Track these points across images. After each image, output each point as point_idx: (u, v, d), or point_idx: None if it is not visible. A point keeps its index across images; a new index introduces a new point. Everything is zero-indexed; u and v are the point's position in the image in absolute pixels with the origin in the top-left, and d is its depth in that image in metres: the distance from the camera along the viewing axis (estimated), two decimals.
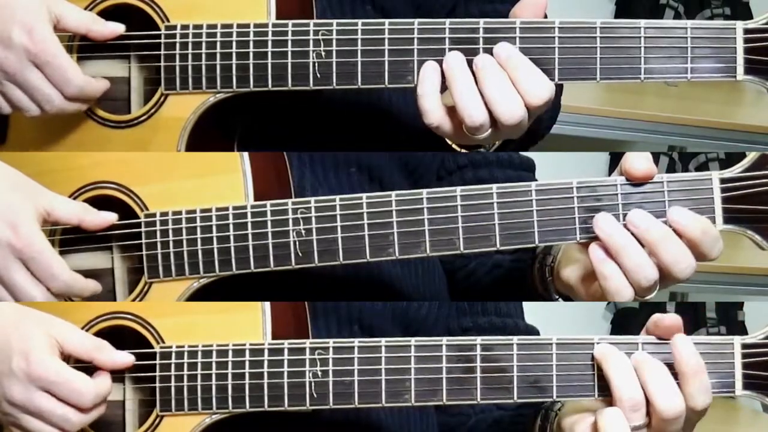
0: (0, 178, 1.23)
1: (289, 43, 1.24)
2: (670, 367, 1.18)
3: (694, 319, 3.46)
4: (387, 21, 1.23)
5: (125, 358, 1.24)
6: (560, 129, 2.83)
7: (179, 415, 1.25)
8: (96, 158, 1.29)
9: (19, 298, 1.22)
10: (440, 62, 1.22)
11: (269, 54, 1.25)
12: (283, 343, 1.23)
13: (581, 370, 1.20)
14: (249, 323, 1.24)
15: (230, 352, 1.24)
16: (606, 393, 1.19)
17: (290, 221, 1.24)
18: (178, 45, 1.27)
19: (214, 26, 1.26)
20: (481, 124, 1.21)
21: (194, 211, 1.26)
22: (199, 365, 1.24)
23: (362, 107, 1.35)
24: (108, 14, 1.28)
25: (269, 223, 1.24)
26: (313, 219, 1.23)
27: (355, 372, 1.22)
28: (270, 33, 1.25)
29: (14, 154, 1.28)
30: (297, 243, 1.24)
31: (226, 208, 1.25)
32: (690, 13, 3.58)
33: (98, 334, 1.26)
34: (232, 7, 1.26)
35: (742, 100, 3.53)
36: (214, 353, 1.24)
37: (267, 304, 1.25)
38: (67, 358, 1.22)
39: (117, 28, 1.27)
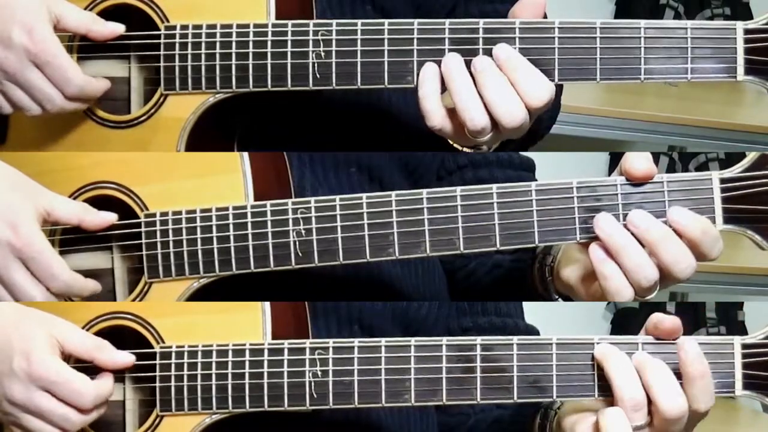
0: (0, 177, 1.23)
1: (289, 43, 1.24)
2: (671, 367, 1.18)
3: (694, 319, 3.46)
4: (386, 21, 1.23)
5: (126, 357, 1.24)
6: (560, 129, 2.84)
7: (179, 415, 1.25)
8: (96, 158, 1.29)
9: (19, 297, 1.22)
10: (440, 63, 1.22)
11: (269, 54, 1.25)
12: (283, 343, 1.23)
13: (581, 370, 1.20)
14: (249, 323, 1.24)
15: (230, 352, 1.24)
16: (606, 393, 1.19)
17: (290, 221, 1.24)
18: (177, 45, 1.27)
19: (214, 26, 1.26)
20: (483, 127, 1.21)
21: (194, 211, 1.26)
22: (199, 365, 1.24)
23: (362, 107, 1.35)
24: (108, 14, 1.28)
25: (269, 223, 1.24)
26: (313, 219, 1.23)
27: (355, 372, 1.22)
28: (270, 33, 1.25)
29: (14, 154, 1.28)
30: (297, 243, 1.24)
31: (226, 208, 1.25)
32: (690, 13, 3.58)
33: (98, 334, 1.26)
34: (232, 7, 1.26)
35: (742, 101, 3.53)
36: (214, 353, 1.24)
37: (267, 304, 1.25)
38: (67, 357, 1.23)
39: (117, 29, 1.27)
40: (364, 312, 1.34)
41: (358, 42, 1.23)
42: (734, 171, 1.20)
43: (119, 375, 1.25)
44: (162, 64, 1.27)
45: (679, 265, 1.18)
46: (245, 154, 1.26)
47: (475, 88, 1.21)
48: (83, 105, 1.27)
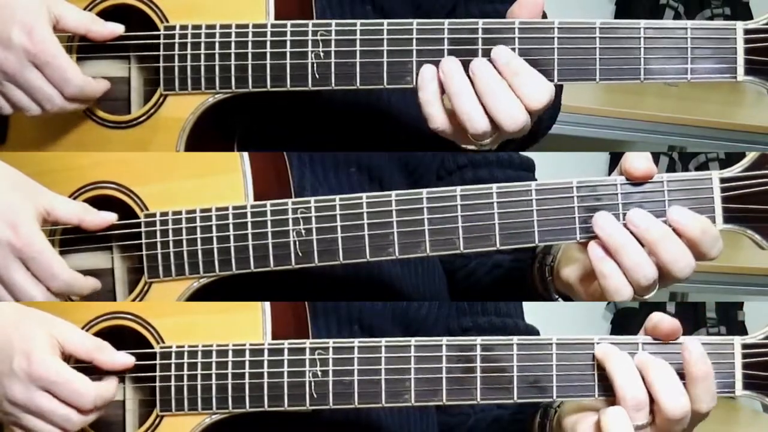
0: (0, 177, 1.23)
1: (288, 43, 1.24)
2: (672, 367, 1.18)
3: (694, 319, 3.46)
4: (386, 21, 1.23)
5: (125, 359, 1.24)
6: (560, 129, 2.83)
7: (179, 415, 1.25)
8: (96, 158, 1.29)
9: (19, 297, 1.22)
10: (438, 64, 1.22)
11: (268, 54, 1.25)
12: (283, 343, 1.23)
13: (581, 370, 1.20)
14: (249, 323, 1.24)
15: (230, 352, 1.24)
16: (606, 393, 1.20)
17: (290, 221, 1.24)
18: (176, 45, 1.27)
19: (213, 27, 1.26)
20: (484, 131, 1.21)
21: (194, 211, 1.26)
22: (199, 365, 1.24)
23: (361, 107, 1.35)
24: (107, 14, 1.28)
25: (269, 223, 1.24)
26: (313, 219, 1.23)
27: (355, 372, 1.22)
28: (269, 33, 1.25)
29: (14, 154, 1.28)
30: (297, 243, 1.24)
31: (226, 208, 1.25)
32: (690, 14, 3.58)
33: (98, 334, 1.26)
34: (231, 7, 1.26)
35: (742, 101, 3.53)
36: (214, 353, 1.24)
37: (267, 304, 1.25)
38: (67, 358, 1.23)
39: (116, 29, 1.27)
40: (364, 312, 1.34)
41: (357, 42, 1.23)
42: (734, 170, 1.20)
43: (119, 375, 1.25)
44: (161, 64, 1.27)
45: (678, 264, 1.18)
46: (245, 154, 1.26)
47: (475, 91, 1.21)
48: (83, 105, 1.27)
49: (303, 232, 1.23)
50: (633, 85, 1.22)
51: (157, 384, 1.25)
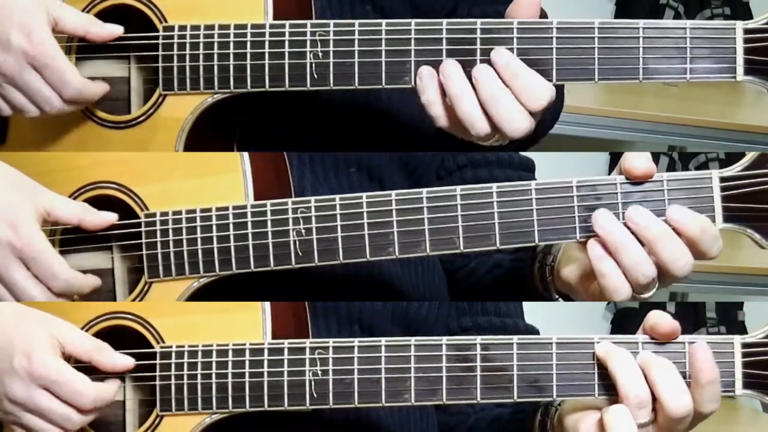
0: (0, 177, 1.24)
1: (287, 43, 1.24)
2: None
3: (694, 319, 3.46)
4: (384, 21, 1.23)
5: (125, 360, 1.24)
6: (560, 129, 2.83)
7: (179, 414, 1.25)
8: (96, 158, 1.29)
9: (20, 297, 1.22)
10: (437, 64, 1.22)
11: (266, 54, 1.25)
12: (283, 343, 1.23)
13: (581, 369, 1.20)
14: (249, 323, 1.25)
15: (230, 352, 1.24)
16: (606, 392, 1.20)
17: (290, 221, 1.24)
18: (175, 46, 1.27)
19: (212, 27, 1.26)
20: (486, 134, 1.22)
21: (194, 211, 1.26)
22: (199, 365, 1.24)
23: (360, 107, 1.35)
24: (107, 15, 1.28)
25: (269, 223, 1.24)
26: (313, 218, 1.23)
27: (355, 372, 1.22)
28: (267, 34, 1.25)
29: (14, 154, 1.28)
30: (297, 242, 1.24)
31: (226, 208, 1.25)
32: (690, 13, 3.58)
33: (98, 334, 1.26)
34: (230, 7, 1.26)
35: (742, 101, 3.53)
36: (214, 353, 1.24)
37: (267, 304, 1.25)
38: (67, 359, 1.23)
39: (115, 30, 1.27)
40: (364, 312, 1.34)
41: (356, 42, 1.23)
42: (734, 170, 1.20)
43: (120, 375, 1.25)
44: (160, 64, 1.27)
45: (677, 262, 1.18)
46: (245, 154, 1.26)
47: (477, 97, 1.21)
48: (81, 106, 1.27)
49: (303, 231, 1.24)
50: (633, 85, 1.22)
51: (157, 384, 1.25)
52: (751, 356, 1.19)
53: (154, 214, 1.27)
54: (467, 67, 1.22)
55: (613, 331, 3.50)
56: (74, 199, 1.28)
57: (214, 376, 1.24)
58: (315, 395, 1.22)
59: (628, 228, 1.19)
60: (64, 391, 1.20)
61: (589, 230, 1.20)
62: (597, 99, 3.21)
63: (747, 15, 3.51)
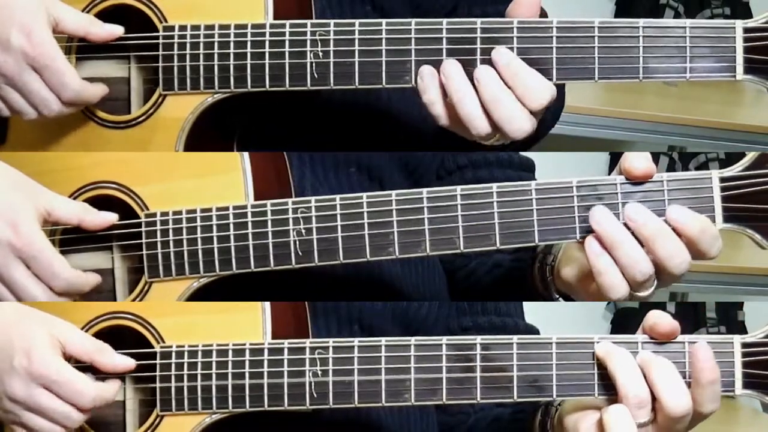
0: (0, 177, 1.24)
1: (287, 43, 1.24)
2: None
3: (694, 319, 3.46)
4: (384, 21, 1.23)
5: (126, 361, 1.24)
6: (560, 129, 2.83)
7: (179, 414, 1.25)
8: (96, 158, 1.29)
9: (21, 297, 1.22)
10: (438, 63, 1.22)
11: (267, 54, 1.25)
12: (283, 343, 1.23)
13: (581, 369, 1.20)
14: (249, 323, 1.25)
15: (230, 352, 1.24)
16: (606, 392, 1.20)
17: (290, 221, 1.24)
18: (176, 45, 1.27)
19: (212, 27, 1.26)
20: (486, 134, 1.22)
21: (194, 211, 1.26)
22: (199, 365, 1.24)
23: (360, 107, 1.35)
24: (107, 15, 1.28)
25: (269, 223, 1.24)
26: (314, 218, 1.23)
27: (355, 372, 1.22)
28: (267, 33, 1.25)
29: (14, 154, 1.28)
30: (297, 242, 1.24)
31: (227, 208, 1.25)
32: (690, 13, 3.58)
33: (98, 334, 1.26)
34: (230, 7, 1.26)
35: (742, 100, 3.53)
36: (214, 353, 1.24)
37: (267, 304, 1.25)
38: (68, 359, 1.23)
39: (115, 30, 1.27)
40: (364, 312, 1.34)
41: (356, 42, 1.23)
42: (734, 170, 1.20)
43: (120, 376, 1.25)
44: (160, 64, 1.27)
45: (675, 260, 1.18)
46: (245, 154, 1.26)
47: (479, 98, 1.21)
48: (80, 107, 1.27)
49: (303, 231, 1.24)
50: (633, 84, 1.23)
51: (158, 384, 1.25)
52: (751, 356, 1.19)
53: (154, 214, 1.27)
54: (468, 67, 1.22)
55: (613, 331, 3.50)
56: (74, 199, 1.28)
57: (214, 376, 1.24)
58: (315, 395, 1.22)
59: (627, 226, 1.19)
60: (65, 390, 1.20)
61: (589, 230, 1.20)
62: (597, 99, 3.21)
63: (747, 15, 3.50)
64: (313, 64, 1.24)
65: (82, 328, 1.26)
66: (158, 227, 1.26)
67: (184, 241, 1.26)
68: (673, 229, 1.19)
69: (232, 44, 1.25)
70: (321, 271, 1.26)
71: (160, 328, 1.26)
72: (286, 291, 1.29)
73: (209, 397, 1.24)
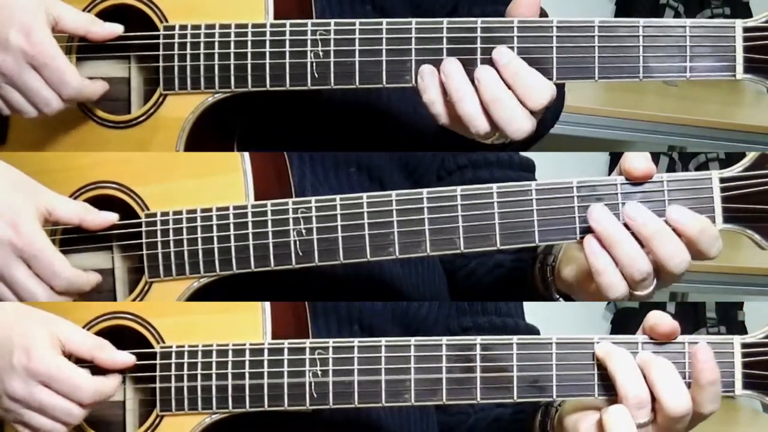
0: (1, 177, 1.24)
1: (287, 43, 1.24)
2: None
3: (694, 319, 3.46)
4: (385, 21, 1.23)
5: (126, 358, 1.24)
6: (560, 129, 2.83)
7: (179, 414, 1.25)
8: (96, 158, 1.29)
9: (22, 296, 1.22)
10: (438, 63, 1.22)
11: (267, 54, 1.25)
12: (283, 343, 1.23)
13: (581, 369, 1.20)
14: (249, 323, 1.25)
15: (230, 352, 1.24)
16: (606, 392, 1.20)
17: (291, 221, 1.24)
18: (176, 45, 1.27)
19: (212, 26, 1.26)
20: (485, 132, 1.22)
21: (195, 211, 1.26)
22: (199, 365, 1.24)
23: (361, 107, 1.35)
24: (107, 15, 1.28)
25: (270, 223, 1.24)
26: (314, 218, 1.23)
27: (355, 372, 1.22)
28: (268, 33, 1.25)
29: (14, 154, 1.28)
30: (297, 242, 1.24)
31: (227, 208, 1.25)
32: (690, 14, 3.58)
33: (98, 334, 1.26)
34: (230, 7, 1.26)
35: (742, 100, 3.53)
36: (214, 353, 1.24)
37: (267, 304, 1.25)
38: (68, 357, 1.23)
39: (115, 29, 1.27)
40: (364, 312, 1.34)
41: (356, 41, 1.23)
42: (734, 170, 1.20)
43: (120, 374, 1.25)
44: (161, 64, 1.27)
45: (674, 260, 1.18)
46: (246, 154, 1.26)
47: (479, 97, 1.21)
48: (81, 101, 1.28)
49: (303, 231, 1.24)
50: (633, 84, 1.23)
51: (158, 384, 1.25)
52: (751, 356, 1.19)
53: (154, 214, 1.27)
54: (468, 66, 1.22)
55: (613, 331, 3.50)
56: (75, 199, 1.28)
57: (214, 376, 1.24)
58: (315, 395, 1.22)
59: (626, 225, 1.19)
60: (65, 386, 1.20)
61: (589, 230, 1.20)
62: (597, 98, 3.21)
63: (747, 15, 3.48)
64: (314, 64, 1.24)
65: (83, 328, 1.26)
66: (158, 227, 1.27)
67: (185, 241, 1.26)
68: (673, 230, 1.19)
69: (232, 44, 1.25)
70: (321, 271, 1.26)
71: (160, 328, 1.26)
72: (286, 291, 1.29)
73: (209, 397, 1.24)
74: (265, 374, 1.23)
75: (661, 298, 3.33)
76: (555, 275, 1.34)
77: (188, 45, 1.26)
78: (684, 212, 1.19)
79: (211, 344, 1.24)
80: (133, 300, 1.28)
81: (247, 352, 1.23)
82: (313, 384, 1.22)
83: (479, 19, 1.22)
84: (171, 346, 1.25)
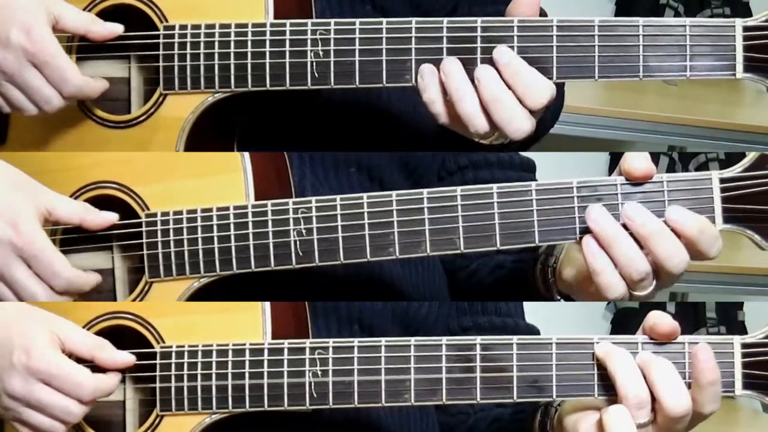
0: (1, 177, 1.24)
1: (287, 42, 1.24)
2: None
3: (694, 319, 3.46)
4: (385, 20, 1.23)
5: (126, 357, 1.24)
6: (560, 129, 2.83)
7: (179, 414, 1.25)
8: (96, 158, 1.29)
9: (22, 296, 1.22)
10: (438, 62, 1.22)
11: (267, 54, 1.25)
12: (282, 343, 1.23)
13: (581, 369, 1.20)
14: (249, 323, 1.25)
15: (230, 352, 1.24)
16: (605, 392, 1.20)
17: (291, 221, 1.24)
18: (176, 45, 1.27)
19: (212, 26, 1.26)
20: (485, 131, 1.22)
21: (195, 211, 1.26)
22: (199, 365, 1.24)
23: (361, 107, 1.35)
24: (107, 14, 1.28)
25: (270, 223, 1.24)
26: (314, 219, 1.23)
27: (355, 372, 1.22)
28: (268, 33, 1.25)
29: (14, 154, 1.28)
30: (297, 242, 1.24)
31: (227, 208, 1.25)
32: (690, 13, 3.58)
33: (99, 333, 1.26)
34: (230, 7, 1.26)
35: (742, 100, 3.53)
36: (214, 353, 1.24)
37: (267, 304, 1.25)
38: (68, 356, 1.23)
39: (115, 29, 1.27)
40: (364, 312, 1.34)
41: (356, 41, 1.23)
42: (734, 171, 1.20)
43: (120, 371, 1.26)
44: (161, 63, 1.27)
45: (673, 260, 1.18)
46: (246, 154, 1.26)
47: (478, 95, 1.21)
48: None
49: (304, 231, 1.24)
50: (633, 84, 1.23)
51: (158, 384, 1.25)
52: (751, 356, 1.19)
53: (154, 214, 1.27)
54: (468, 66, 1.22)
55: (613, 331, 3.50)
56: (75, 198, 1.28)
57: (214, 376, 1.24)
58: (315, 395, 1.22)
59: (625, 225, 1.19)
60: (64, 383, 1.20)
61: (588, 231, 1.20)
62: (597, 98, 3.21)
63: (747, 15, 3.48)
64: (314, 64, 1.24)
65: (83, 328, 1.26)
66: (159, 227, 1.26)
67: (185, 241, 1.26)
68: (672, 230, 1.19)
69: (232, 44, 1.25)
70: (321, 271, 1.26)
71: (160, 328, 1.26)
72: (286, 291, 1.29)
73: (209, 397, 1.24)
74: (265, 374, 1.23)
75: (661, 298, 3.33)
76: (556, 276, 1.33)
77: (188, 45, 1.26)
78: (683, 212, 1.19)
79: (211, 344, 1.24)
80: (133, 300, 1.28)
81: (247, 352, 1.23)
82: (313, 384, 1.22)
83: (479, 19, 1.22)
84: (171, 346, 1.25)
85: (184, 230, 1.26)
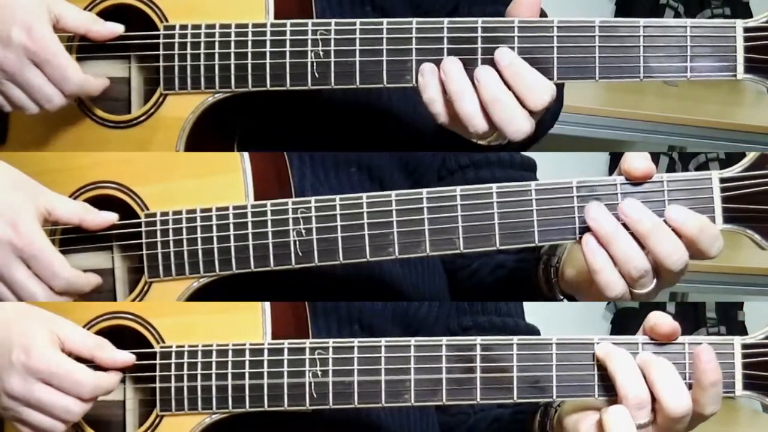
0: (1, 177, 1.24)
1: (288, 42, 1.24)
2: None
3: (694, 319, 3.46)
4: (385, 20, 1.23)
5: (126, 357, 1.24)
6: (560, 129, 2.84)
7: (179, 414, 1.25)
8: (96, 158, 1.29)
9: (21, 296, 1.22)
10: (438, 62, 1.22)
11: (267, 54, 1.25)
12: (282, 343, 1.23)
13: (581, 370, 1.20)
14: (249, 323, 1.24)
15: (230, 352, 1.24)
16: (606, 393, 1.20)
17: (290, 221, 1.24)
18: (176, 45, 1.27)
19: (213, 26, 1.26)
20: (484, 132, 1.22)
21: (194, 211, 1.26)
22: (199, 365, 1.24)
23: (361, 107, 1.35)
24: (107, 14, 1.28)
25: (269, 223, 1.24)
26: (314, 219, 1.23)
27: (355, 372, 1.22)
28: (268, 33, 1.25)
29: (14, 154, 1.28)
30: (297, 243, 1.24)
31: (227, 208, 1.25)
32: (690, 14, 3.58)
33: (98, 333, 1.26)
34: (231, 7, 1.26)
35: (742, 101, 3.53)
36: (214, 353, 1.24)
37: (267, 304, 1.25)
38: (68, 356, 1.22)
39: (116, 29, 1.27)
40: (364, 312, 1.34)
41: (357, 41, 1.23)
42: (734, 170, 1.20)
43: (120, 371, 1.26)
44: (161, 63, 1.27)
45: (672, 257, 1.18)
46: (246, 154, 1.26)
47: (477, 95, 1.21)
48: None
49: (303, 231, 1.23)
50: (633, 84, 1.23)
51: (157, 384, 1.25)
52: (751, 357, 1.19)
53: (154, 214, 1.27)
54: (468, 66, 1.22)
55: (613, 332, 3.50)
56: (74, 198, 1.28)
57: (214, 376, 1.24)
58: (315, 395, 1.22)
59: (623, 223, 1.19)
60: (64, 382, 1.20)
61: (588, 230, 1.20)
62: (597, 98, 3.21)
63: (747, 15, 3.48)
64: (314, 64, 1.24)
65: (83, 328, 1.26)
66: (158, 227, 1.26)
67: (184, 241, 1.26)
68: (672, 229, 1.19)
69: (232, 44, 1.25)
70: (321, 271, 1.26)
71: (160, 328, 1.26)
72: (286, 291, 1.29)
73: (209, 398, 1.24)
74: (265, 374, 1.23)
75: (661, 298, 3.33)
76: (559, 276, 1.33)
77: (188, 45, 1.26)
78: (683, 211, 1.19)
79: (211, 344, 1.24)
80: (133, 300, 1.28)
81: (247, 352, 1.23)
82: (313, 384, 1.22)
83: (480, 19, 1.22)
84: (171, 346, 1.25)
85: (184, 230, 1.26)
